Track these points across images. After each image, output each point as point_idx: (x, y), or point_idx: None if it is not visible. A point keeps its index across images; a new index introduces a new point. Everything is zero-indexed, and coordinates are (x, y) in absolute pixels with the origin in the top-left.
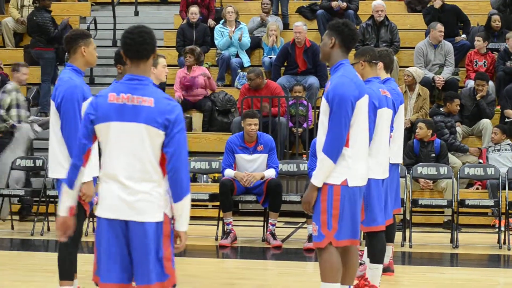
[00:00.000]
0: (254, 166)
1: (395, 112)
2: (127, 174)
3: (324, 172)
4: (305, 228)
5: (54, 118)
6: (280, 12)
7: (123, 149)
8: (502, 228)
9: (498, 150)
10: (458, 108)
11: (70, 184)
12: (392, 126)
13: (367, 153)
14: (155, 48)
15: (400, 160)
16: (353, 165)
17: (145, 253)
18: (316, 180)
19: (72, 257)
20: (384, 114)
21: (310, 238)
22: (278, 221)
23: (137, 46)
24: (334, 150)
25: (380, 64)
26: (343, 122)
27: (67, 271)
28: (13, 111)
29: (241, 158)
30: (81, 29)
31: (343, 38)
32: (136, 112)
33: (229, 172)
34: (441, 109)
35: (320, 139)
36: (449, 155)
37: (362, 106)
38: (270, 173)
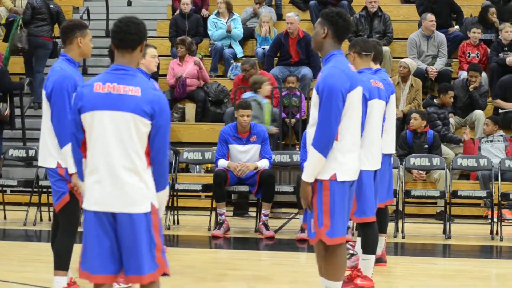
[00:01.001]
0: (247, 157)
1: (387, 103)
2: (113, 164)
3: (315, 167)
4: (298, 218)
5: (45, 107)
6: (273, 2)
7: (108, 138)
8: (495, 219)
9: (491, 141)
10: (452, 100)
11: (81, 178)
12: (384, 117)
13: (358, 147)
14: (142, 40)
15: (392, 151)
16: (343, 159)
17: (135, 244)
18: (306, 175)
19: (69, 248)
20: (375, 105)
21: (302, 228)
22: (270, 212)
23: (122, 35)
24: (324, 144)
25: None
26: (333, 114)
27: (63, 261)
28: None
29: (235, 148)
30: (78, 20)
31: (337, 28)
32: (122, 101)
33: (222, 163)
34: (434, 100)
35: (310, 132)
36: (442, 146)
37: (354, 98)
38: (263, 164)
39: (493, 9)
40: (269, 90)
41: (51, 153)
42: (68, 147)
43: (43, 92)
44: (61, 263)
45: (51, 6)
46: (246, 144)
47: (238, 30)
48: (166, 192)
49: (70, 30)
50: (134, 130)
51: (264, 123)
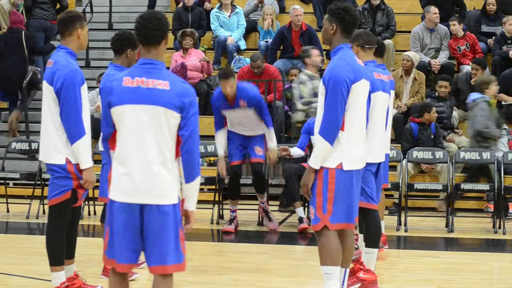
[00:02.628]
0: (245, 120)
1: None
2: (143, 156)
3: (321, 154)
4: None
5: (51, 102)
6: None
7: (138, 131)
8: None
9: None
10: (446, 90)
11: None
12: (388, 110)
13: (364, 137)
14: (166, 33)
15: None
16: (349, 149)
17: (162, 235)
18: (313, 162)
19: (62, 242)
20: (378, 97)
21: (300, 220)
22: (273, 205)
23: (146, 31)
24: (330, 132)
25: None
26: (339, 103)
27: (57, 256)
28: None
29: (225, 112)
30: (76, 11)
31: (345, 24)
32: (152, 94)
33: (220, 142)
34: (436, 92)
35: (318, 120)
36: (444, 142)
37: (358, 90)
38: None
39: (491, 0)
40: (496, 90)
41: (58, 149)
42: (81, 142)
43: (49, 87)
44: (56, 259)
45: None
46: (236, 109)
47: (241, 24)
48: (195, 183)
49: (71, 21)
50: (164, 123)
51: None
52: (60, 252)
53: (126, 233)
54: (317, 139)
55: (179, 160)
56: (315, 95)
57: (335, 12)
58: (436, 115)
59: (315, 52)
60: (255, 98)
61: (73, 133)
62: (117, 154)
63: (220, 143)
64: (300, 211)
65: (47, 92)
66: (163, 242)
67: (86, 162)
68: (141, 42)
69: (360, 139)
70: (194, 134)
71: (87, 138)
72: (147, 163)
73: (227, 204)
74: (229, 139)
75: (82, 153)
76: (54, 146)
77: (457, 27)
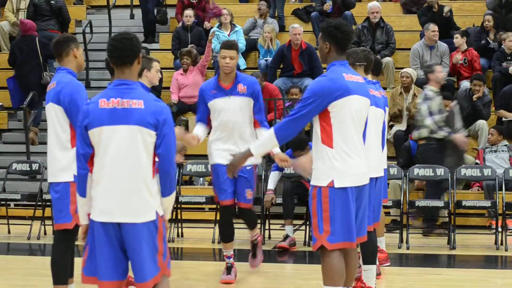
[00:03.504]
0: (238, 118)
1: (384, 111)
2: (120, 176)
3: (265, 146)
4: (302, 230)
5: (57, 124)
6: (276, 14)
7: (116, 151)
8: (499, 229)
9: (495, 151)
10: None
11: (83, 193)
12: (384, 126)
13: (358, 153)
14: (138, 53)
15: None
16: (340, 166)
17: (139, 252)
18: (255, 149)
19: (68, 262)
20: (370, 112)
21: (285, 238)
22: (275, 223)
23: (118, 52)
24: (285, 135)
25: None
26: (303, 113)
27: (62, 274)
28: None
29: (215, 104)
30: (69, 34)
31: (337, 42)
32: (127, 114)
33: (198, 130)
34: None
35: (315, 143)
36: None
37: (345, 105)
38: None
39: (487, 17)
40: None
41: (64, 169)
42: None
43: (54, 107)
44: (60, 278)
45: (52, 2)
46: (231, 96)
47: (240, 43)
48: (171, 198)
49: (65, 43)
50: (140, 142)
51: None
52: (66, 271)
53: (107, 251)
54: (269, 133)
55: (157, 177)
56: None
57: (327, 30)
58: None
59: (438, 68)
60: (256, 84)
61: None
62: (95, 175)
63: (197, 130)
64: (289, 229)
65: (53, 113)
66: (140, 260)
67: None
68: (113, 63)
69: (353, 155)
70: (170, 152)
71: None
72: (124, 182)
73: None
74: (217, 171)
75: None
76: (60, 167)
77: (459, 40)
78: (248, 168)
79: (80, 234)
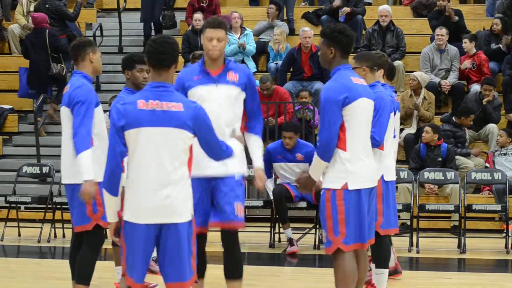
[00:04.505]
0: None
1: (394, 114)
2: (158, 177)
3: (318, 170)
4: (312, 234)
5: (68, 124)
6: (285, 17)
7: (154, 153)
8: (510, 233)
9: (505, 154)
10: (471, 123)
11: (116, 192)
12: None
13: (369, 155)
14: (177, 57)
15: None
16: (353, 168)
17: (179, 252)
18: (313, 174)
19: (92, 263)
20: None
21: (291, 242)
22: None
23: (157, 55)
24: (326, 151)
25: (381, 71)
26: (332, 124)
27: (86, 275)
28: None
29: (197, 92)
30: (86, 38)
31: (342, 46)
32: (167, 117)
33: None
34: (453, 118)
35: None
36: (460, 157)
37: (357, 109)
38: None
39: (495, 20)
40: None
41: (77, 171)
42: (85, 154)
43: (66, 110)
44: (83, 277)
45: (46, 5)
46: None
47: (251, 46)
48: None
49: (82, 47)
50: (179, 143)
51: None
52: (89, 272)
53: (146, 254)
54: (315, 157)
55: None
56: None
57: (331, 36)
58: (471, 123)
59: None
60: (251, 75)
61: (78, 145)
62: (130, 175)
63: None
64: (288, 232)
65: (65, 116)
66: (180, 259)
67: (87, 173)
68: (152, 65)
69: (365, 157)
70: (212, 147)
71: (92, 152)
72: (161, 183)
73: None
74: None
75: (84, 164)
76: (76, 167)
77: (468, 45)
78: (236, 178)
79: (110, 232)
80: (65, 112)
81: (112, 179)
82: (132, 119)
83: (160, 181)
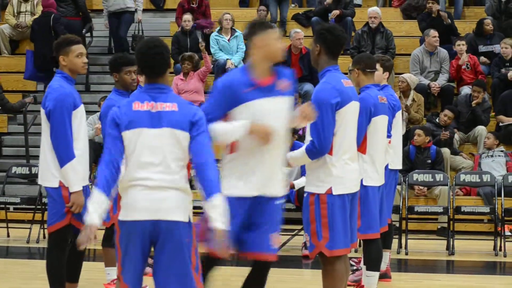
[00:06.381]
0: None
1: (392, 118)
2: (155, 178)
3: (300, 163)
4: (301, 235)
5: (44, 126)
6: (279, 19)
7: (150, 154)
8: (503, 234)
9: (491, 156)
10: (449, 121)
11: (109, 193)
12: (389, 132)
13: (355, 159)
14: (168, 63)
15: (399, 166)
16: (338, 173)
17: (180, 253)
18: (292, 160)
19: (62, 264)
20: (380, 121)
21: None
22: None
23: (150, 69)
24: (319, 153)
25: (386, 73)
26: (325, 125)
27: (58, 278)
28: None
29: (258, 103)
30: (66, 36)
31: (328, 45)
32: (162, 118)
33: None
34: (437, 120)
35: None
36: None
37: (347, 113)
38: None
39: (487, 20)
40: None
41: (53, 173)
42: (70, 165)
43: (42, 111)
44: (55, 281)
45: None
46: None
47: (240, 48)
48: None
49: (55, 49)
50: (175, 144)
51: None
52: (61, 274)
53: (139, 254)
54: (302, 153)
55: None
56: None
57: (319, 33)
58: (449, 121)
59: None
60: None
61: (62, 156)
62: (127, 177)
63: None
64: None
65: (43, 119)
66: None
67: (74, 185)
68: (145, 73)
69: (350, 162)
70: (206, 149)
71: (77, 162)
72: (158, 184)
73: None
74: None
75: (71, 176)
76: (49, 170)
77: (462, 47)
78: (277, 202)
79: (86, 234)
80: (43, 114)
81: (108, 182)
82: (128, 121)
83: (155, 182)
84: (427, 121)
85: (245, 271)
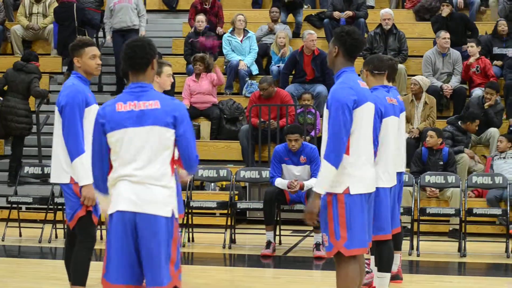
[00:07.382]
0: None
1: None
2: (140, 175)
3: (327, 179)
4: (312, 236)
5: (57, 123)
6: (295, 21)
7: (136, 152)
8: None
9: (504, 158)
10: (477, 128)
11: (106, 190)
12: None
13: (371, 160)
14: (151, 59)
15: (402, 169)
16: (355, 173)
17: (157, 248)
18: (319, 187)
19: (87, 263)
20: (391, 122)
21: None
22: (286, 229)
23: (130, 61)
24: (336, 155)
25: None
26: (342, 126)
27: (81, 275)
28: None
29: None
30: (81, 38)
31: (346, 47)
32: (145, 116)
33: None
34: (459, 123)
35: (323, 145)
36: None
37: (363, 113)
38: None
39: (502, 21)
40: None
41: (64, 169)
42: (79, 160)
43: (56, 109)
44: (79, 278)
45: None
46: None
47: (253, 49)
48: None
49: (70, 51)
50: (159, 141)
51: None
52: (84, 272)
53: (120, 246)
54: (322, 164)
55: (175, 175)
56: None
57: (338, 35)
58: (477, 129)
59: None
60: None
61: (71, 150)
62: (114, 174)
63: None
64: (270, 235)
65: (56, 117)
66: (157, 259)
67: (84, 178)
68: (127, 70)
69: (367, 162)
70: (190, 146)
71: (87, 157)
72: (142, 180)
73: (240, 228)
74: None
75: (80, 170)
76: (61, 166)
77: (475, 49)
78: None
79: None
80: (56, 111)
81: (100, 179)
82: (112, 122)
83: (141, 179)
84: (449, 122)
85: (252, 271)
